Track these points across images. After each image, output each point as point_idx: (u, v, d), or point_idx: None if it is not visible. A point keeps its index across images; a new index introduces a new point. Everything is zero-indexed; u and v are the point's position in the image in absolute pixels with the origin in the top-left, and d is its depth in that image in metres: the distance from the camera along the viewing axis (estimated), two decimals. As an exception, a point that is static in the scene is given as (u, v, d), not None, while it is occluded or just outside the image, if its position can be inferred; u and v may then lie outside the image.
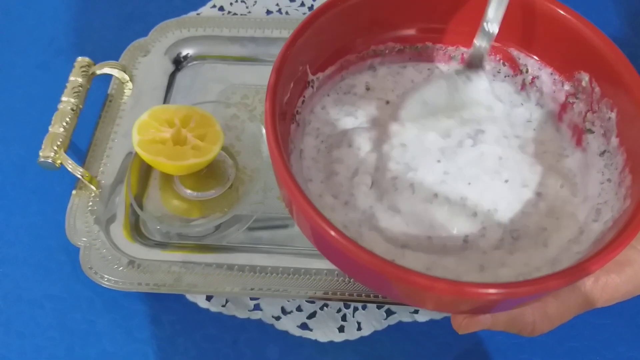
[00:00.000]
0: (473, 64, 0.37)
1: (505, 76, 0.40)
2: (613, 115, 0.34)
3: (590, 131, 0.36)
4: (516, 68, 0.39)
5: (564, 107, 0.38)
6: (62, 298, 0.44)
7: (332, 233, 0.28)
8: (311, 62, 0.37)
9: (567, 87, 0.37)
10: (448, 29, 0.39)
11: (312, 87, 0.38)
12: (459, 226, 0.33)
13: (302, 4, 0.57)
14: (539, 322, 0.33)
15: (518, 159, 0.35)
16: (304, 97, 0.38)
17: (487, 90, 0.37)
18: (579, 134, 0.37)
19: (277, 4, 0.57)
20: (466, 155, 0.35)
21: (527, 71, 0.39)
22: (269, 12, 0.57)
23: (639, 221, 0.28)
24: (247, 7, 0.57)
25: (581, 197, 0.35)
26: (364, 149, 0.36)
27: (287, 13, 0.57)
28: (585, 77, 0.36)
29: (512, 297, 0.28)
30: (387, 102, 0.39)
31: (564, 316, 0.33)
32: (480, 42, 0.37)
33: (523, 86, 0.40)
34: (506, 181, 0.34)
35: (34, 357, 0.42)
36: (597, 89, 0.35)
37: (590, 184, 0.35)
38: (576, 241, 0.33)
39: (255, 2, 0.57)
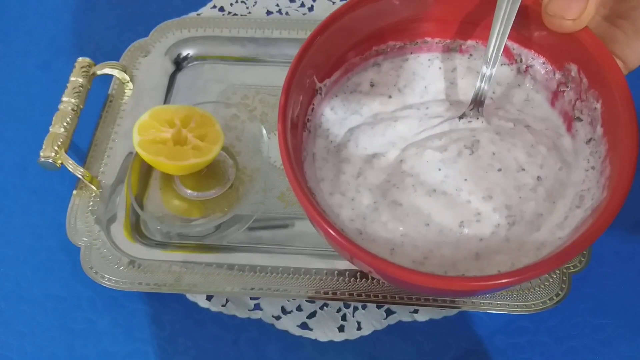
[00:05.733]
0: (475, 106, 0.39)
1: (501, 64, 0.41)
2: (598, 105, 0.36)
3: (579, 119, 0.38)
4: (511, 57, 0.41)
5: (556, 94, 0.39)
6: (63, 298, 0.44)
7: (333, 233, 0.31)
8: (317, 71, 0.39)
9: (558, 76, 0.39)
10: (444, 23, 0.41)
11: (321, 94, 0.40)
12: (454, 212, 0.35)
13: (302, 5, 0.57)
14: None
15: (512, 145, 0.37)
16: (313, 104, 0.40)
17: (484, 128, 0.38)
18: (569, 121, 0.39)
19: (277, 5, 0.57)
20: (465, 161, 0.37)
21: (521, 60, 0.40)
22: (269, 12, 0.57)
23: (611, 212, 0.30)
24: (247, 8, 0.57)
25: (571, 182, 0.37)
26: (370, 150, 0.39)
27: (287, 14, 0.57)
28: (574, 68, 0.37)
29: (492, 288, 0.32)
30: (390, 97, 0.41)
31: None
32: (479, 85, 0.38)
33: (518, 73, 0.41)
34: (499, 170, 0.36)
35: (35, 356, 0.42)
36: (584, 80, 0.36)
37: (576, 171, 0.37)
38: (561, 226, 0.35)
39: (256, 2, 0.57)
